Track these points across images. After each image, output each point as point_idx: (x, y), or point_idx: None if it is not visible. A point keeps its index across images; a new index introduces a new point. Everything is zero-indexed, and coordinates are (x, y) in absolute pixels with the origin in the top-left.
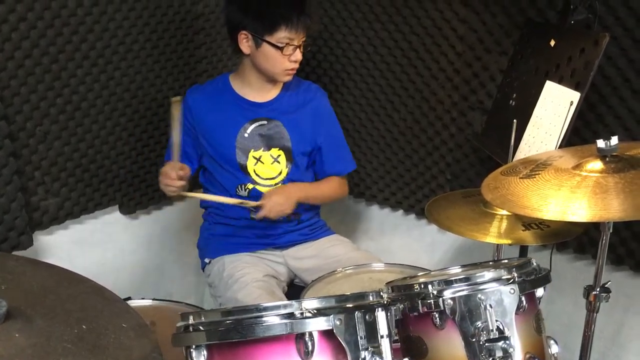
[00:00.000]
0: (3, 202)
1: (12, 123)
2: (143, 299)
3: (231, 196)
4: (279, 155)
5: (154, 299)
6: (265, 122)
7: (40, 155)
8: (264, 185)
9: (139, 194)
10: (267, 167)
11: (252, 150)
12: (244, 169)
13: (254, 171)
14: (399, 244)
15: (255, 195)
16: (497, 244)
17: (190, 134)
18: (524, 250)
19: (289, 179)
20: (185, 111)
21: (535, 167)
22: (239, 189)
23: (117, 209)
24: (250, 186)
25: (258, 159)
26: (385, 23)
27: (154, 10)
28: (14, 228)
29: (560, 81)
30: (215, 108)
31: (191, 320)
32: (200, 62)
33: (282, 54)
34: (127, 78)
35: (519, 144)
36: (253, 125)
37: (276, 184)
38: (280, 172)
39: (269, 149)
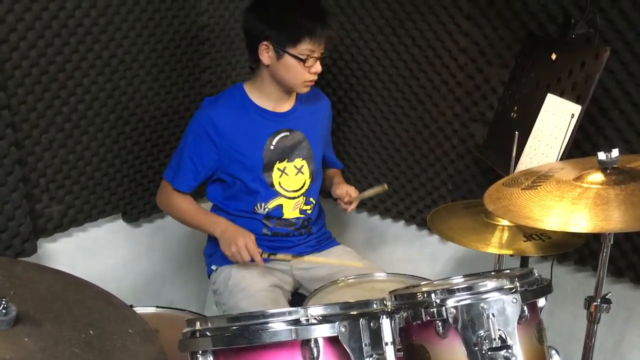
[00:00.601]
0: (8, 209)
1: (18, 131)
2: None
3: (248, 212)
4: (302, 166)
5: (157, 307)
6: (287, 133)
7: (46, 163)
8: (289, 198)
9: (142, 203)
10: (291, 178)
11: (277, 162)
12: (269, 182)
13: (279, 183)
14: (400, 254)
15: (275, 215)
16: (498, 255)
17: (211, 150)
18: (524, 261)
19: (310, 189)
20: (207, 127)
21: (537, 178)
22: (257, 207)
23: (120, 217)
24: (270, 205)
25: (282, 171)
26: (388, 35)
27: (159, 21)
28: (18, 235)
29: (561, 94)
30: (239, 122)
31: (198, 326)
32: (204, 72)
33: (303, 66)
34: (132, 87)
35: (520, 155)
36: (277, 137)
37: (299, 196)
38: (304, 184)
39: (292, 159)
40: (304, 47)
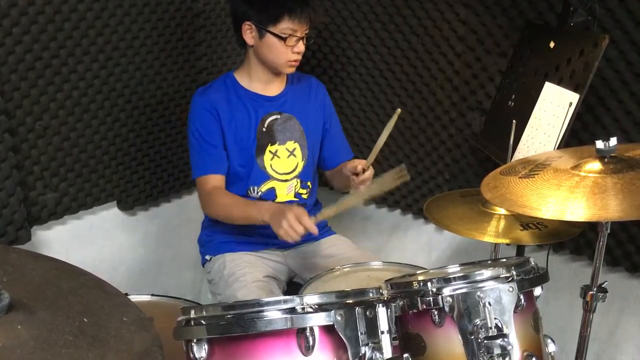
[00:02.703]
0: (2, 196)
1: (12, 117)
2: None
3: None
4: (295, 149)
5: (152, 295)
6: (278, 115)
7: (40, 150)
8: (281, 181)
9: (137, 191)
10: (283, 161)
11: (269, 144)
12: (261, 165)
13: (271, 166)
14: (395, 243)
15: (269, 199)
16: (495, 244)
17: (221, 138)
18: (520, 250)
19: (304, 172)
20: (209, 109)
21: (535, 167)
22: (251, 191)
23: (115, 205)
24: (263, 188)
25: (274, 154)
26: (386, 23)
27: (155, 7)
28: (12, 222)
29: (559, 83)
30: (231, 106)
31: (192, 314)
32: (200, 59)
33: (285, 45)
34: (127, 74)
35: (518, 144)
36: (268, 120)
37: (292, 178)
38: (296, 166)
39: (284, 142)
40: (285, 26)
